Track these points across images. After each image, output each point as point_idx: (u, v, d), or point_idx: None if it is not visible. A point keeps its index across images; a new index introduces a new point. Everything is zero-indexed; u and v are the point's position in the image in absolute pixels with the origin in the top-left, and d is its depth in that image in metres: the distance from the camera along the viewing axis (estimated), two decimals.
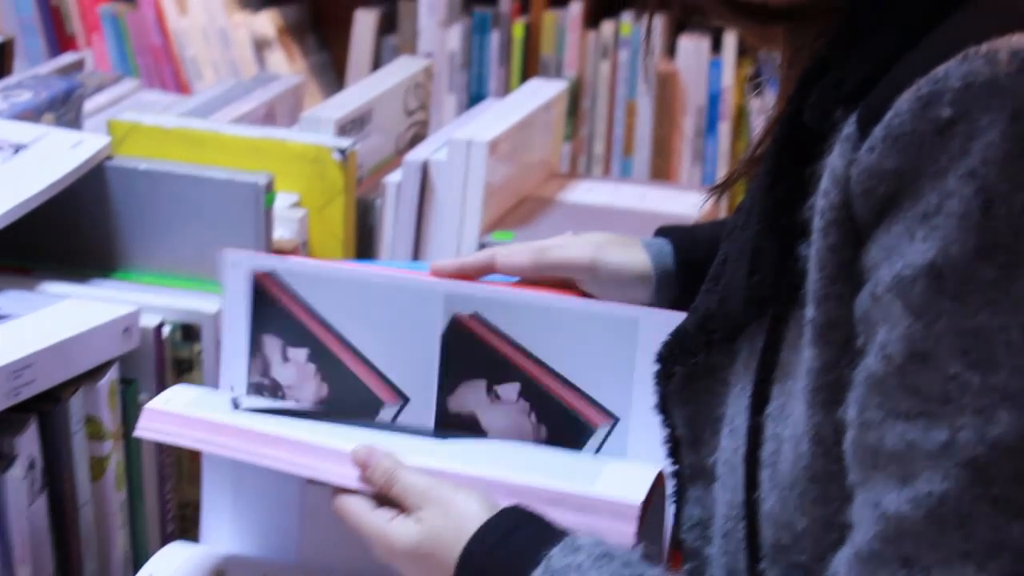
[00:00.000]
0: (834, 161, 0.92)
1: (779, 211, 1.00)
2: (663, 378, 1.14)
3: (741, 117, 3.09)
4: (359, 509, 1.13)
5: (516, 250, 1.30)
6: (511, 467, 1.15)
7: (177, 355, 1.37)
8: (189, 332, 1.36)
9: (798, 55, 1.04)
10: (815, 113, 0.96)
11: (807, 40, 1.02)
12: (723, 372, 1.10)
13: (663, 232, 1.34)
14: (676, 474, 1.15)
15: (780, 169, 1.00)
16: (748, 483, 1.04)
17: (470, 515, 1.09)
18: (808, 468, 0.98)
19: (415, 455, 1.15)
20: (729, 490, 1.07)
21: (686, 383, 1.13)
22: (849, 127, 0.91)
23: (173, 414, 1.19)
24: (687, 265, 1.29)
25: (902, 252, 0.88)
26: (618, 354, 1.21)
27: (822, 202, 0.93)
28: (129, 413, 1.32)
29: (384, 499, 1.13)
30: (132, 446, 1.34)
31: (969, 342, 0.86)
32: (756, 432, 1.03)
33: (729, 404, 1.08)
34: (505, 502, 1.10)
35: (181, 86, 3.26)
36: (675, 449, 1.16)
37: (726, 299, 1.07)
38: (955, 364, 0.87)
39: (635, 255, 1.30)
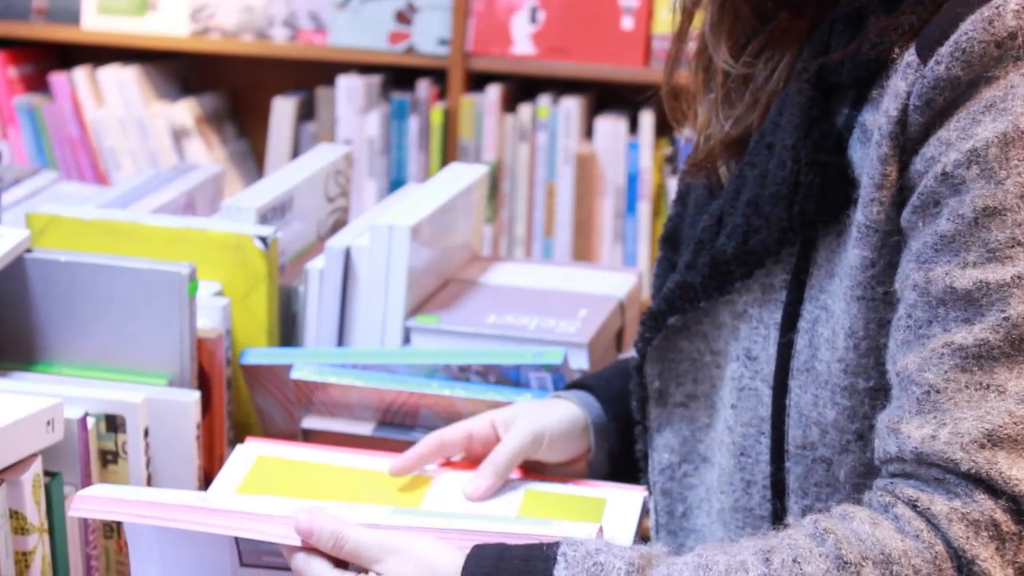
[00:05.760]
0: (896, 84, 1.09)
1: (817, 150, 1.15)
2: (647, 338, 1.27)
3: (660, 196, 3.12)
4: (319, 571, 1.12)
5: (455, 431, 1.37)
6: (462, 521, 1.16)
7: (102, 446, 1.36)
8: (113, 423, 1.35)
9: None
10: (877, 48, 1.12)
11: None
12: (706, 323, 1.24)
13: (576, 386, 1.42)
14: (644, 428, 1.31)
15: (815, 116, 1.16)
16: (776, 395, 1.17)
17: (436, 556, 1.09)
18: (841, 361, 1.12)
19: (363, 519, 1.15)
20: (748, 411, 1.20)
21: (667, 337, 1.26)
22: (909, 56, 1.08)
23: (107, 497, 1.20)
24: (617, 416, 1.39)
25: (970, 134, 1.04)
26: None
27: (881, 119, 1.09)
28: (54, 506, 1.30)
29: (339, 561, 1.13)
30: (57, 540, 1.32)
31: None
32: (787, 348, 1.17)
33: (731, 341, 1.22)
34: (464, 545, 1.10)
35: (99, 177, 3.25)
36: (642, 407, 1.30)
37: (745, 240, 1.18)
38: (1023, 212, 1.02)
39: (564, 411, 1.38)
